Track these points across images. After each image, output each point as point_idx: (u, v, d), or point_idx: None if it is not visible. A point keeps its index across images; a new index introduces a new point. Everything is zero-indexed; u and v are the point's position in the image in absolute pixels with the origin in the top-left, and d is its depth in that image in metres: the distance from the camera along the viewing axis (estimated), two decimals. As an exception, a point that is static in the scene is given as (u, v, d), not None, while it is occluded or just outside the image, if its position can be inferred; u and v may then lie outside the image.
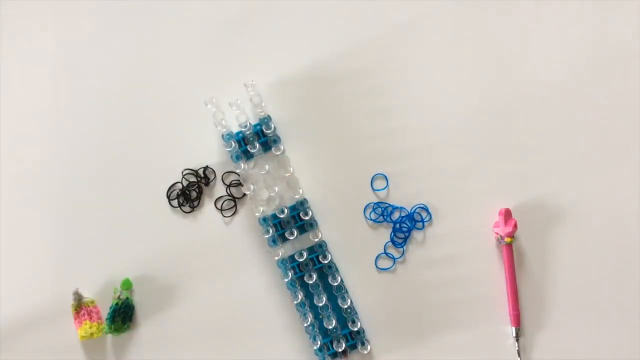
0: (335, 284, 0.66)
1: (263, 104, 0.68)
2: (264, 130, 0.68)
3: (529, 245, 0.68)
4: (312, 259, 0.67)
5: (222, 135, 0.68)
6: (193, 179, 0.70)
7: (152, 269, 0.69)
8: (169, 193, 0.70)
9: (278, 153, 0.69)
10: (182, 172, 0.70)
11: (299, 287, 0.66)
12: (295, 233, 0.67)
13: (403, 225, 0.68)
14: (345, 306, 0.66)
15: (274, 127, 0.69)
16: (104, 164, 0.71)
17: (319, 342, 0.65)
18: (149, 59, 0.72)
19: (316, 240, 0.67)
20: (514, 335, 0.66)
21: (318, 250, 0.67)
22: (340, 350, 0.65)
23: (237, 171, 0.68)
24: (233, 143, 0.67)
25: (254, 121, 0.69)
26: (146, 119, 0.71)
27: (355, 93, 0.70)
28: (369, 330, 0.67)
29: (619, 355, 0.66)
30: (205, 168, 0.70)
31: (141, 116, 0.71)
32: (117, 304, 0.67)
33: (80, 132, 0.71)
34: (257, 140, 0.68)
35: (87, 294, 0.68)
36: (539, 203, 0.68)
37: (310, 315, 0.66)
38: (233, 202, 0.70)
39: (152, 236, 0.69)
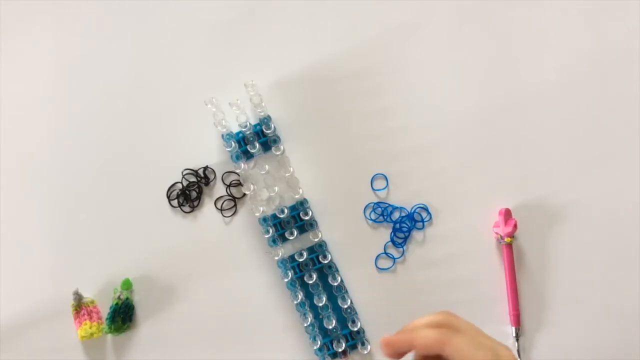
0: (335, 284, 0.66)
1: (263, 104, 0.68)
2: (264, 130, 0.68)
3: (529, 245, 0.68)
4: (312, 259, 0.67)
5: (222, 135, 0.68)
6: (193, 179, 0.70)
7: (152, 269, 0.69)
8: (169, 193, 0.70)
9: (278, 153, 0.69)
10: (182, 172, 0.70)
11: (299, 287, 0.66)
12: (295, 233, 0.67)
13: (403, 225, 0.68)
14: (345, 306, 0.66)
15: (274, 127, 0.69)
16: (104, 164, 0.71)
17: (319, 342, 0.65)
18: (149, 59, 0.72)
19: (316, 240, 0.67)
20: (514, 335, 0.66)
21: (318, 250, 0.67)
22: (340, 350, 0.65)
23: (237, 171, 0.68)
24: (233, 143, 0.67)
25: (254, 121, 0.69)
26: (146, 119, 0.71)
27: (355, 93, 0.70)
28: (369, 330, 0.67)
29: (619, 355, 0.66)
30: (205, 168, 0.70)
31: (141, 116, 0.71)
32: (117, 304, 0.67)
33: (80, 132, 0.71)
34: (257, 140, 0.68)
35: (87, 294, 0.68)
36: (539, 203, 0.68)
37: (310, 315, 0.66)
38: (233, 202, 0.70)
39: (152, 236, 0.69)
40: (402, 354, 0.41)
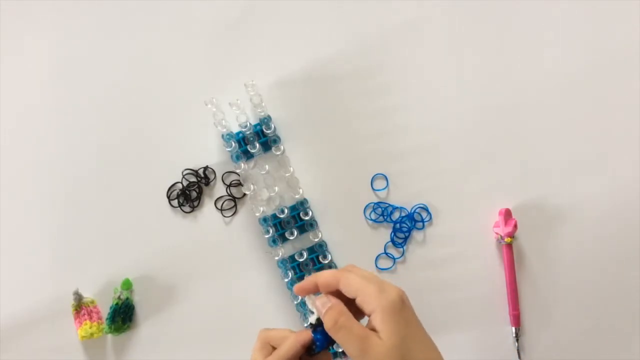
0: (335, 284, 0.66)
1: (263, 104, 0.68)
2: (264, 130, 0.68)
3: (529, 245, 0.68)
4: (312, 259, 0.67)
5: (222, 135, 0.68)
6: (193, 179, 0.70)
7: (152, 269, 0.69)
8: (169, 193, 0.70)
9: (278, 153, 0.69)
10: (182, 172, 0.70)
11: (299, 287, 0.66)
12: (295, 233, 0.67)
13: (403, 225, 0.68)
14: (345, 306, 0.66)
15: (274, 127, 0.69)
16: (104, 164, 0.71)
17: (319, 342, 0.65)
18: (149, 59, 0.72)
19: (316, 240, 0.67)
20: (514, 335, 0.66)
21: (318, 250, 0.67)
22: (340, 350, 0.65)
23: (237, 171, 0.68)
24: (233, 143, 0.67)
25: (254, 121, 0.69)
26: (146, 119, 0.71)
27: (355, 93, 0.70)
28: (369, 330, 0.67)
29: (619, 355, 0.66)
30: (205, 168, 0.70)
31: (141, 116, 0.71)
32: (117, 304, 0.67)
33: (81, 132, 0.71)
34: (257, 140, 0.68)
35: (87, 294, 0.68)
36: (539, 203, 0.68)
37: (310, 315, 0.66)
38: (233, 202, 0.70)
39: (152, 236, 0.69)
40: (310, 292, 0.49)
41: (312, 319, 0.48)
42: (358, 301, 0.45)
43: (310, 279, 0.48)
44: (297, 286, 0.49)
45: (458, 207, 0.68)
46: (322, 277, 0.47)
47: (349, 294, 0.46)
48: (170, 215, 0.70)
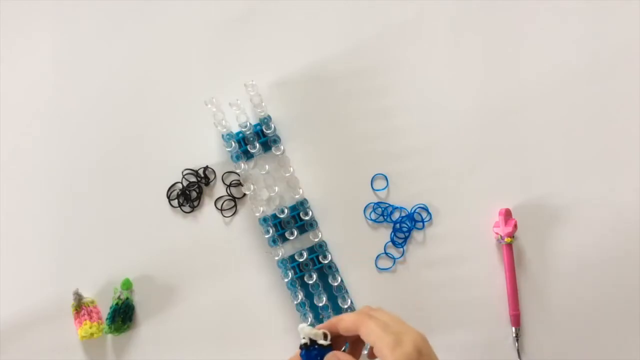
0: (335, 284, 0.66)
1: (263, 104, 0.68)
2: (264, 130, 0.68)
3: (529, 245, 0.68)
4: (312, 259, 0.67)
5: (222, 135, 0.68)
6: (193, 179, 0.70)
7: (152, 269, 0.69)
8: (169, 193, 0.70)
9: (278, 153, 0.69)
10: (182, 172, 0.70)
11: (299, 287, 0.66)
12: (295, 233, 0.67)
13: (403, 225, 0.68)
14: (345, 306, 0.66)
15: (274, 127, 0.69)
16: (104, 164, 0.71)
17: (319, 342, 0.65)
18: (149, 59, 0.72)
19: (316, 240, 0.67)
20: (514, 335, 0.66)
21: (318, 250, 0.67)
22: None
23: (237, 171, 0.68)
24: (233, 143, 0.67)
25: (254, 121, 0.69)
26: (146, 119, 0.71)
27: (355, 93, 0.70)
28: (369, 330, 0.67)
29: (619, 355, 0.66)
30: (205, 168, 0.70)
31: (141, 116, 0.71)
32: (117, 304, 0.67)
33: (80, 132, 0.71)
34: (257, 140, 0.68)
35: (87, 294, 0.68)
36: (539, 203, 0.68)
37: (310, 315, 0.66)
38: (233, 202, 0.70)
39: (152, 236, 0.69)
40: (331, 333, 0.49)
41: (302, 341, 0.49)
42: (375, 351, 0.46)
43: (332, 322, 0.49)
44: (318, 328, 0.49)
45: (458, 207, 0.68)
46: (344, 323, 0.48)
47: (367, 341, 0.47)
48: (170, 215, 0.70)
